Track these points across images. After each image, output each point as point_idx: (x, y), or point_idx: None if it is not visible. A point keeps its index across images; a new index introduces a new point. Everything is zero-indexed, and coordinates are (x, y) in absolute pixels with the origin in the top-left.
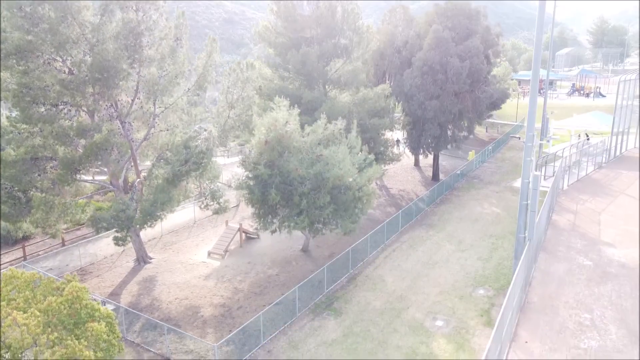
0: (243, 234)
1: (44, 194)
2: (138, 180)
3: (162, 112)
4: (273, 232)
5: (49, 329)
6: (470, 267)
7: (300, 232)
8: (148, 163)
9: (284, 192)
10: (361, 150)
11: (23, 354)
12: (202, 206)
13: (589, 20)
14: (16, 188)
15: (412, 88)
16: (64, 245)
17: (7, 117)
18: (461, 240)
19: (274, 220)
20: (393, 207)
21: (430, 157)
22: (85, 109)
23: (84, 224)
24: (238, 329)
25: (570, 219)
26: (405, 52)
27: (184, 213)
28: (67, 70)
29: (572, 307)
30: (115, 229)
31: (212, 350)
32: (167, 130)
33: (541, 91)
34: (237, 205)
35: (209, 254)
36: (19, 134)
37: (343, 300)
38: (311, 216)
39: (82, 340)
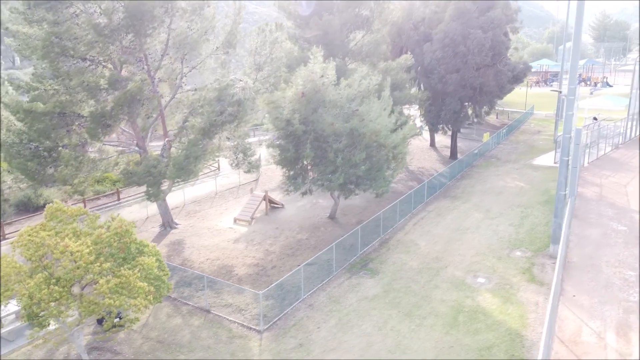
0: (268, 203)
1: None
2: (167, 139)
3: (190, 71)
4: (304, 193)
5: (101, 259)
6: (503, 232)
7: (324, 203)
8: (174, 123)
9: (318, 150)
10: (392, 112)
11: (72, 287)
12: (233, 165)
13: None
14: (41, 147)
15: (432, 61)
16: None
17: (33, 74)
18: (489, 210)
19: (305, 182)
20: (414, 182)
21: (445, 138)
22: (115, 62)
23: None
24: (282, 279)
25: (596, 191)
26: (424, 27)
27: (205, 186)
28: (100, 17)
29: (615, 265)
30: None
31: (250, 304)
32: (195, 90)
33: (546, 81)
34: (257, 179)
35: (235, 220)
36: (45, 90)
37: (378, 262)
38: (346, 174)
39: (135, 271)
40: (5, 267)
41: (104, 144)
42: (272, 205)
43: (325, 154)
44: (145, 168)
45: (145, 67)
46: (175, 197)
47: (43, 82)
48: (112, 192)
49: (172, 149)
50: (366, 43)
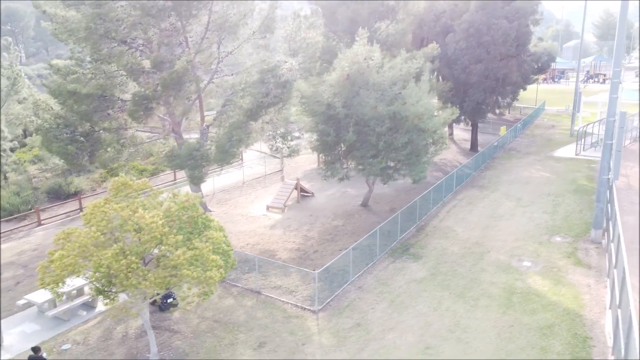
0: (299, 191)
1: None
2: (205, 124)
3: (226, 56)
4: (341, 179)
5: (174, 231)
6: (539, 219)
7: (353, 192)
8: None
9: (359, 134)
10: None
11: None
12: (273, 149)
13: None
14: (77, 132)
15: (456, 52)
16: None
17: (71, 57)
18: (519, 198)
19: (343, 167)
20: (439, 172)
21: (461, 132)
22: (153, 45)
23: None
24: (333, 260)
25: (624, 181)
26: (445, 18)
27: (231, 176)
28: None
29: None
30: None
31: (300, 286)
32: (232, 75)
33: (554, 78)
34: (282, 169)
35: (268, 208)
36: (83, 74)
37: (418, 247)
38: (388, 158)
39: (207, 244)
40: (83, 238)
41: (136, 131)
42: (302, 193)
43: (366, 137)
44: (187, 151)
45: (186, 50)
46: (205, 186)
47: (81, 65)
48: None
49: (210, 134)
50: (392, 33)
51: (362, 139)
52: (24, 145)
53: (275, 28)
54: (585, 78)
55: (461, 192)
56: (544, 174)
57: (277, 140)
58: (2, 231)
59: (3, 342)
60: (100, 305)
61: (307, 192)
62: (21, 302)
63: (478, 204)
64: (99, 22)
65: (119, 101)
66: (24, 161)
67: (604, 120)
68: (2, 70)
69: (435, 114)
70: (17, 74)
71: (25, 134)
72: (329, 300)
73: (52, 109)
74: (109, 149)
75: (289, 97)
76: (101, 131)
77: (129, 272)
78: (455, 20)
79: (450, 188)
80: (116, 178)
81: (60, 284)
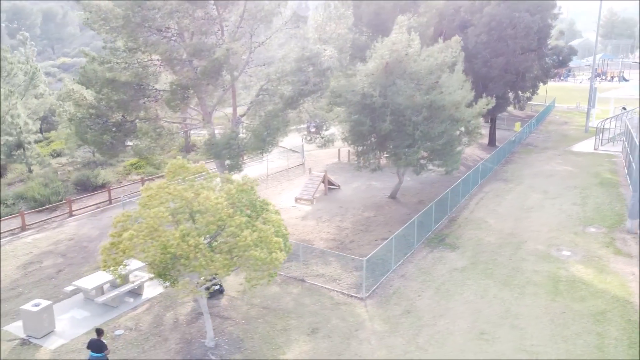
0: (326, 183)
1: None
2: (239, 115)
3: (258, 46)
4: (373, 170)
5: (238, 213)
6: (570, 211)
7: (378, 184)
8: (241, 99)
9: (394, 123)
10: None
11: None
12: (307, 139)
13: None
14: (110, 122)
15: (477, 45)
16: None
17: (104, 47)
18: (546, 191)
19: (377, 157)
20: (462, 167)
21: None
22: (184, 35)
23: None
24: (379, 247)
25: None
26: (463, 13)
27: (254, 169)
28: None
29: None
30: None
31: (342, 274)
32: (264, 65)
33: (561, 76)
34: (303, 163)
35: (296, 199)
36: (117, 63)
37: (453, 237)
38: (423, 148)
39: (270, 226)
40: (153, 219)
41: (164, 122)
42: (329, 186)
43: (402, 127)
44: (225, 139)
45: (221, 39)
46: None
47: (115, 54)
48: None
49: (250, 119)
50: (414, 26)
51: (397, 128)
52: (39, 140)
53: (308, 18)
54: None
55: (486, 185)
56: (566, 168)
57: (311, 130)
58: (35, 221)
59: (55, 328)
60: (147, 292)
61: (333, 185)
62: (69, 288)
63: (505, 197)
64: (137, 9)
65: (153, 90)
66: (45, 155)
67: (619, 117)
68: (20, 65)
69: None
70: (36, 69)
71: (42, 129)
72: (374, 288)
73: (85, 98)
74: (145, 138)
75: (328, 85)
76: (135, 121)
77: (197, 252)
78: (474, 14)
79: (476, 181)
80: (174, 160)
81: (122, 266)
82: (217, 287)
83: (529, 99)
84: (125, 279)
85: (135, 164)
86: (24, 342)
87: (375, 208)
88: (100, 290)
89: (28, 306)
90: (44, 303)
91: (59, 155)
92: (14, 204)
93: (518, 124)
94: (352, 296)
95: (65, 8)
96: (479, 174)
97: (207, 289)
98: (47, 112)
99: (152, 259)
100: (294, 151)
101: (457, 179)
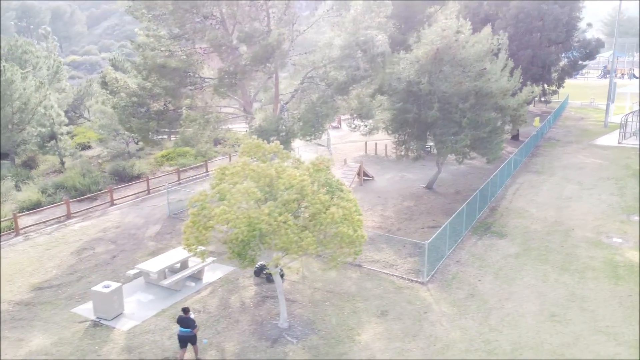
0: (362, 174)
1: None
2: (284, 102)
3: (300, 34)
4: (415, 159)
5: (321, 190)
6: (609, 200)
7: (411, 176)
8: (283, 87)
9: (441, 111)
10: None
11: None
12: (352, 127)
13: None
14: (152, 110)
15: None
16: (180, 183)
17: (147, 35)
18: (580, 182)
19: (420, 146)
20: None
21: None
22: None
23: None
24: (436, 234)
25: None
26: (487, 6)
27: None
28: None
29: None
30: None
31: (397, 260)
32: (306, 53)
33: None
34: (331, 156)
35: None
36: (161, 51)
37: (498, 225)
38: (471, 135)
39: (350, 204)
40: (241, 193)
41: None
42: (364, 177)
43: (448, 114)
44: (273, 125)
45: (267, 27)
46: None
47: (161, 42)
48: (200, 164)
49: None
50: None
51: (443, 116)
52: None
53: (350, 6)
54: (602, 74)
55: (519, 176)
56: (595, 160)
57: (355, 118)
58: (78, 210)
59: (124, 310)
60: (207, 277)
61: (368, 176)
62: (132, 272)
63: (541, 187)
64: None
65: (198, 78)
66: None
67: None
68: (42, 59)
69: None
70: (60, 63)
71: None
72: (432, 273)
73: (128, 86)
74: (193, 126)
75: (378, 71)
76: (177, 109)
77: (287, 229)
78: (500, 7)
79: (509, 173)
80: (249, 140)
81: (204, 243)
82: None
83: (555, 92)
84: (184, 265)
85: (166, 155)
86: (96, 324)
87: (413, 198)
88: (162, 274)
89: (99, 287)
90: (114, 285)
91: (85, 148)
92: (54, 192)
93: (537, 119)
94: (412, 280)
95: (72, 7)
96: (512, 166)
97: (258, 274)
98: (69, 107)
99: (235, 237)
100: (319, 145)
101: (486, 170)
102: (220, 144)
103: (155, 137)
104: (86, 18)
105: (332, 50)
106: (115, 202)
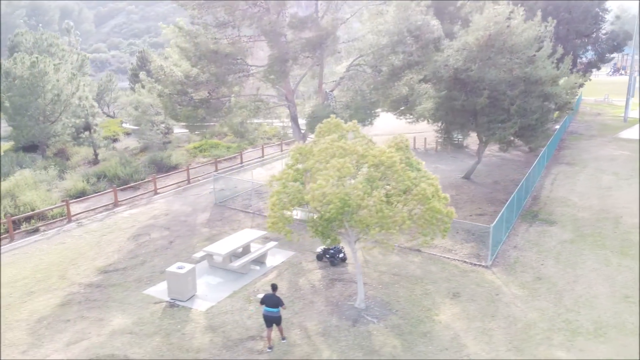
0: None
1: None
2: (329, 90)
3: (344, 22)
4: (458, 147)
5: (407, 167)
6: None
7: (443, 167)
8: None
9: (490, 98)
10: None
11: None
12: (398, 114)
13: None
14: (196, 98)
15: None
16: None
17: (192, 23)
18: (615, 173)
19: (465, 134)
20: (517, 152)
21: None
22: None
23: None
24: (497, 219)
25: None
26: None
27: None
28: None
29: None
30: None
31: (455, 245)
32: (350, 41)
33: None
34: None
35: None
36: (207, 38)
37: (545, 213)
38: (520, 122)
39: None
40: (337, 169)
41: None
42: None
43: (496, 102)
44: (325, 112)
45: (316, 14)
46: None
47: (207, 29)
48: (234, 155)
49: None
50: (475, 8)
51: (491, 103)
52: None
53: None
54: (611, 71)
55: (551, 168)
56: (624, 152)
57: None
58: (124, 198)
59: (197, 292)
60: (271, 261)
61: None
62: (198, 255)
63: (576, 178)
64: None
65: (246, 65)
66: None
67: None
68: (67, 53)
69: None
70: (85, 57)
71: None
72: (493, 257)
73: (174, 74)
74: (242, 112)
75: (431, 58)
76: (221, 98)
77: (381, 204)
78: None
79: (542, 164)
80: (327, 120)
81: (290, 221)
82: (342, 254)
83: (581, 85)
84: (245, 249)
85: (198, 147)
86: (172, 305)
87: (454, 188)
88: (227, 257)
89: (173, 268)
90: (188, 266)
91: (112, 141)
92: (97, 181)
93: (557, 113)
94: (475, 264)
95: (80, 5)
96: (545, 157)
97: (332, 256)
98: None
99: (323, 214)
100: None
101: (518, 162)
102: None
103: (200, 125)
104: (93, 16)
105: (381, 37)
106: (158, 191)
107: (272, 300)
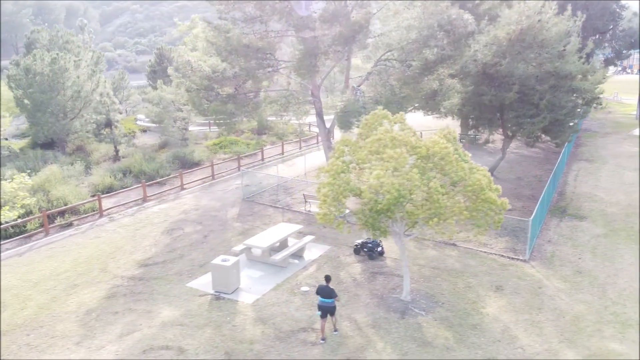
0: None
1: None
2: (355, 85)
3: (374, 14)
4: (484, 143)
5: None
6: None
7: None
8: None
9: (519, 93)
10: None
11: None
12: (426, 110)
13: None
14: (222, 94)
15: None
16: (239, 169)
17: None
18: (636, 169)
19: (492, 129)
20: (535, 149)
21: None
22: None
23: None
24: (534, 214)
25: None
26: None
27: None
28: None
29: None
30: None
31: (490, 239)
32: (377, 36)
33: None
34: None
35: None
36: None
37: (573, 209)
38: (549, 117)
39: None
40: (394, 158)
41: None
42: None
43: (524, 97)
44: (356, 107)
45: (346, 8)
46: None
47: (236, 24)
48: (254, 152)
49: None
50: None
51: (519, 98)
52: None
53: None
54: (620, 69)
55: (571, 164)
56: None
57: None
58: (151, 193)
59: (241, 285)
60: (308, 255)
61: None
62: (238, 248)
63: (598, 174)
64: None
65: (274, 60)
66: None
67: None
68: (82, 50)
69: None
70: (100, 54)
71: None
72: (530, 251)
73: (202, 69)
74: (272, 106)
75: (463, 52)
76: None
77: (438, 195)
78: None
79: (563, 160)
80: (374, 111)
81: (342, 211)
82: (380, 248)
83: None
84: (283, 243)
85: (218, 144)
86: (217, 297)
87: None
88: (267, 251)
89: (218, 261)
90: (232, 259)
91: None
92: (124, 177)
93: (583, 108)
94: (513, 258)
95: (85, 4)
96: (565, 154)
97: (371, 250)
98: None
99: (374, 205)
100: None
101: (537, 159)
102: (265, 133)
103: (227, 120)
104: (98, 16)
105: (410, 32)
106: (184, 186)
107: (325, 291)
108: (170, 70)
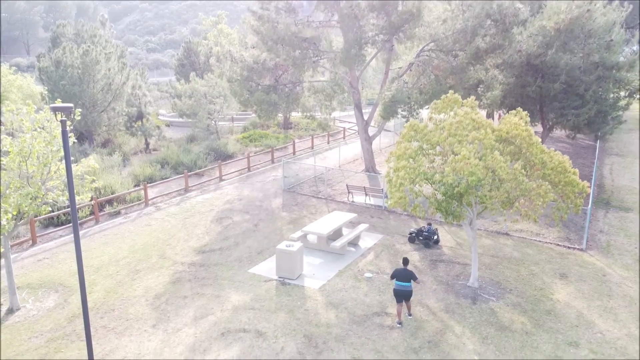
0: None
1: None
2: (398, 75)
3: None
4: None
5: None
6: None
7: None
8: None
9: (564, 84)
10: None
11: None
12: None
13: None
14: (261, 85)
15: None
16: (272, 162)
17: (261, 8)
18: None
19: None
20: (563, 143)
21: None
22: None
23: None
24: (590, 204)
25: None
26: None
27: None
28: None
29: None
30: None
31: (542, 229)
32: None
33: None
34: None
35: None
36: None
37: (616, 200)
38: (595, 108)
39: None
40: (480, 140)
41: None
42: None
43: (569, 88)
44: (403, 96)
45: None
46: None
47: (280, 13)
48: (284, 145)
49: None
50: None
51: (564, 89)
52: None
53: None
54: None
55: (603, 159)
56: None
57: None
58: (191, 184)
59: (303, 271)
60: (363, 243)
61: None
62: (297, 234)
63: (632, 168)
64: None
65: (317, 51)
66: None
67: None
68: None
69: None
70: (124, 49)
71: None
72: (584, 241)
73: (244, 60)
74: (317, 96)
75: (511, 42)
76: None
77: (522, 177)
78: None
79: (594, 154)
80: (445, 95)
81: (418, 194)
82: (436, 237)
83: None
84: (337, 232)
85: (248, 136)
86: (282, 283)
87: None
88: (324, 239)
89: (283, 246)
90: (296, 244)
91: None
92: (161, 168)
93: (626, 100)
94: (569, 247)
95: (95, 3)
96: (597, 149)
97: (427, 238)
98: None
99: (450, 189)
100: (386, 130)
101: (567, 153)
102: (291, 128)
103: (269, 110)
104: (108, 14)
105: (456, 22)
106: (224, 177)
107: (404, 274)
108: (212, 60)
